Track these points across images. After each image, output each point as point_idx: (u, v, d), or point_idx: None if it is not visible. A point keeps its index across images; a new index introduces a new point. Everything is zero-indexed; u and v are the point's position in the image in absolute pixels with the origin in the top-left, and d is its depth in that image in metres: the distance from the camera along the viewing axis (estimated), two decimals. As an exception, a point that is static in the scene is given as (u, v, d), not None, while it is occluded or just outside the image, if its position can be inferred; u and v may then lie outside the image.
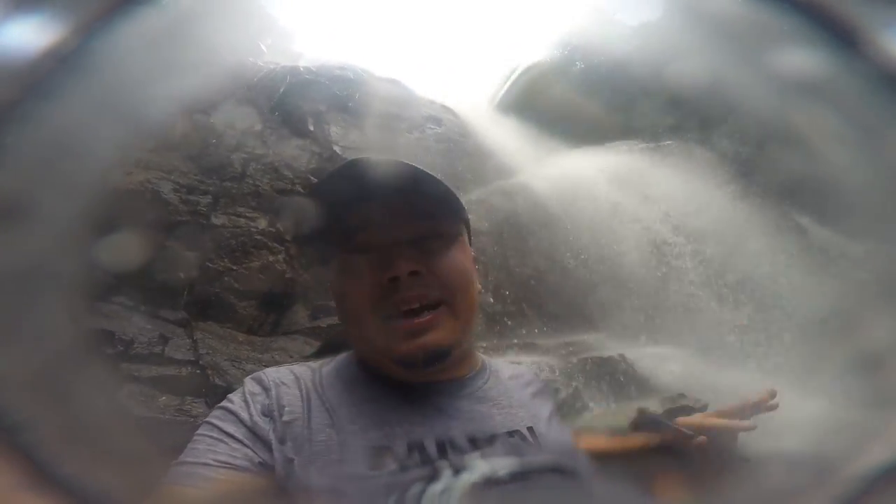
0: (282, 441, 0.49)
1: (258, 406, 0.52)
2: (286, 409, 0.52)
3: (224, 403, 0.54)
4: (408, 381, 0.57)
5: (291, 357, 2.52)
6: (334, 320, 3.02)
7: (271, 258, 3.08)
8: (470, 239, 0.63)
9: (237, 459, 0.48)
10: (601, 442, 0.68)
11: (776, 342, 4.54)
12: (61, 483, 0.36)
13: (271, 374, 0.57)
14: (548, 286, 4.26)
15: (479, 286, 0.62)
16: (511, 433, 0.55)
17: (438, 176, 0.58)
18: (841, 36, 0.46)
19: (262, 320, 2.91)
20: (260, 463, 0.48)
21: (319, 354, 2.68)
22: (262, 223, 3.09)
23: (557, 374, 3.19)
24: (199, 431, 0.51)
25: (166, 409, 1.75)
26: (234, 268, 2.89)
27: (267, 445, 0.49)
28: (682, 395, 2.91)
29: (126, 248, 2.25)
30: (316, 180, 3.40)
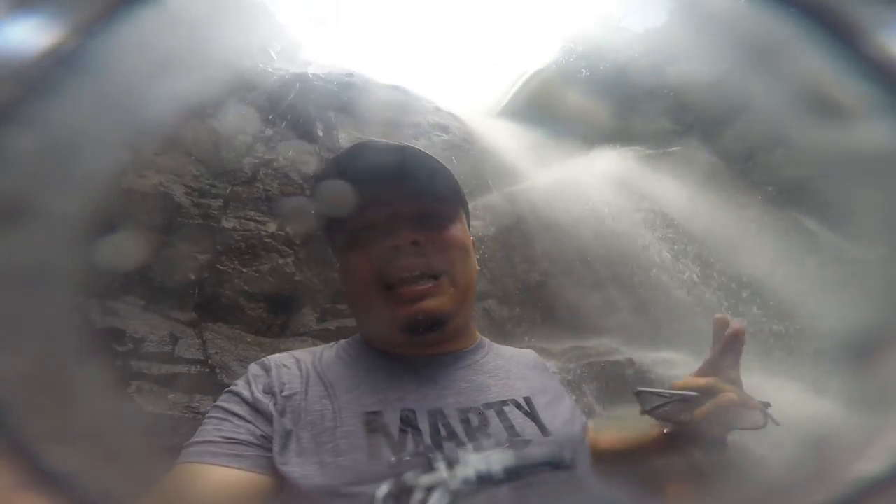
0: (282, 414, 0.53)
1: (259, 385, 0.56)
2: (286, 385, 0.55)
3: (229, 389, 0.58)
4: (406, 355, 0.60)
5: (299, 358, 2.54)
6: (343, 323, 3.04)
7: (280, 261, 3.11)
8: (468, 222, 0.67)
9: (241, 435, 0.51)
10: (614, 438, 0.70)
11: (783, 346, 4.49)
12: (60, 482, 0.37)
13: (273, 358, 0.60)
14: (554, 291, 4.26)
15: (477, 266, 0.65)
16: (504, 402, 0.57)
17: (438, 159, 0.62)
18: (841, 36, 0.46)
19: (270, 322, 2.94)
20: (262, 436, 0.51)
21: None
22: (272, 226, 3.14)
23: (566, 378, 3.18)
24: (207, 414, 0.55)
25: (175, 406, 1.77)
26: (244, 270, 2.92)
27: (268, 419, 0.53)
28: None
29: (137, 249, 2.30)
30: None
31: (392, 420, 0.52)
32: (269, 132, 3.03)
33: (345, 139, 3.65)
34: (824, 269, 5.37)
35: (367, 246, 0.58)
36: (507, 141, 6.04)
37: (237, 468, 0.49)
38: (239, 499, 0.47)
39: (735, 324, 0.56)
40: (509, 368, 0.64)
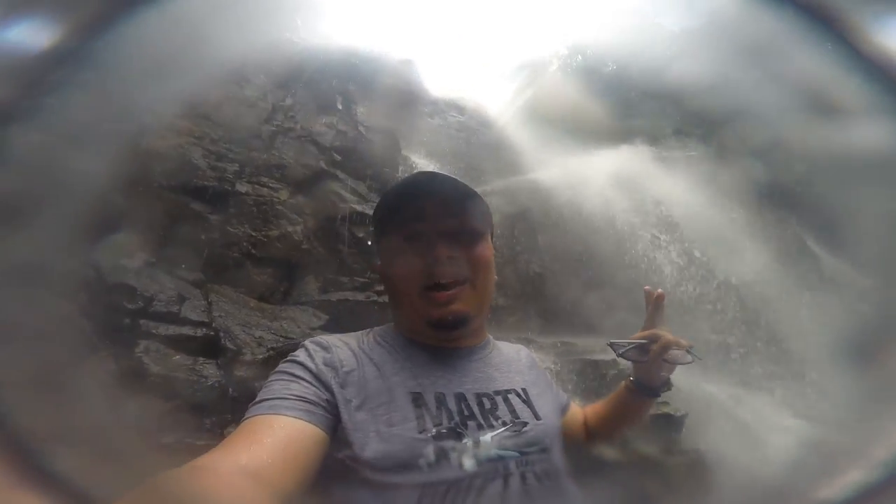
0: (343, 386, 0.63)
1: (320, 359, 0.65)
2: (344, 362, 0.66)
3: (290, 358, 0.67)
4: (434, 346, 0.73)
5: (299, 328, 2.61)
6: (344, 295, 3.13)
7: (290, 228, 3.17)
8: (493, 238, 0.80)
9: (309, 395, 0.60)
10: (599, 405, 0.92)
11: (766, 353, 4.62)
12: (56, 481, 0.41)
13: (326, 338, 0.71)
14: (551, 285, 4.32)
15: (496, 276, 0.79)
16: (508, 391, 0.72)
17: (473, 188, 0.76)
18: (841, 35, 0.48)
19: (274, 288, 3.02)
20: (326, 400, 0.61)
21: (327, 328, 2.79)
22: (284, 194, 3.18)
23: (552, 371, 3.28)
24: (270, 379, 0.63)
25: (179, 368, 1.86)
26: (253, 234, 2.99)
27: (329, 389, 0.62)
28: (665, 403, 3.00)
29: (151, 208, 2.35)
30: (339, 157, 3.47)
31: (430, 400, 0.65)
32: (289, 101, 3.03)
33: (362, 113, 3.64)
34: (812, 276, 5.46)
35: (413, 254, 0.70)
36: (518, 132, 5.99)
37: (307, 421, 0.57)
38: (309, 447, 0.55)
39: (658, 291, 0.82)
40: (510, 364, 0.79)
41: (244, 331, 2.30)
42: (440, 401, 0.65)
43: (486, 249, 0.75)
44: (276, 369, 0.65)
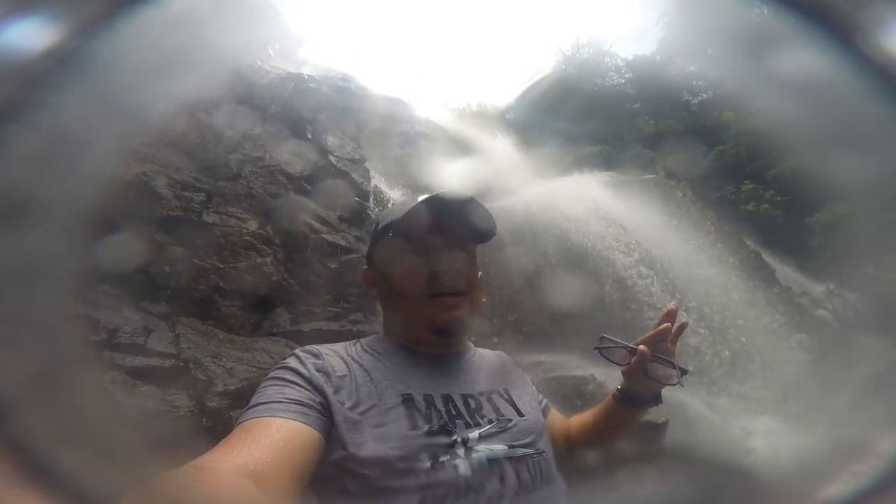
0: (336, 391, 0.64)
1: (312, 365, 0.67)
2: (335, 368, 0.68)
3: (281, 365, 0.68)
4: (421, 353, 0.76)
5: (273, 358, 2.53)
6: (317, 325, 3.06)
7: (259, 260, 3.11)
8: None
9: (303, 398, 0.61)
10: (582, 416, 0.92)
11: (734, 369, 4.75)
12: (56, 480, 0.40)
13: (317, 347, 0.73)
14: (525, 306, 4.37)
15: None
16: (491, 392, 0.76)
17: (481, 207, 0.79)
18: (840, 35, 0.48)
19: (244, 320, 2.93)
20: (320, 403, 0.62)
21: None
22: (253, 224, 3.14)
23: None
24: (263, 385, 0.64)
25: (148, 398, 1.76)
26: (221, 266, 2.91)
27: (322, 393, 0.63)
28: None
29: (117, 240, 2.27)
30: (309, 186, 3.47)
31: (419, 401, 0.68)
32: (258, 130, 3.04)
33: (333, 143, 3.68)
34: (769, 286, 5.74)
35: (421, 264, 0.74)
36: (493, 154, 6.19)
37: (302, 423, 0.58)
38: (305, 448, 0.56)
39: (671, 306, 0.80)
40: (491, 367, 0.84)
41: (214, 362, 2.21)
42: (429, 401, 0.68)
43: (477, 265, 0.81)
44: (268, 376, 0.66)
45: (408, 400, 0.67)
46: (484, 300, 0.82)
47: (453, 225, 0.76)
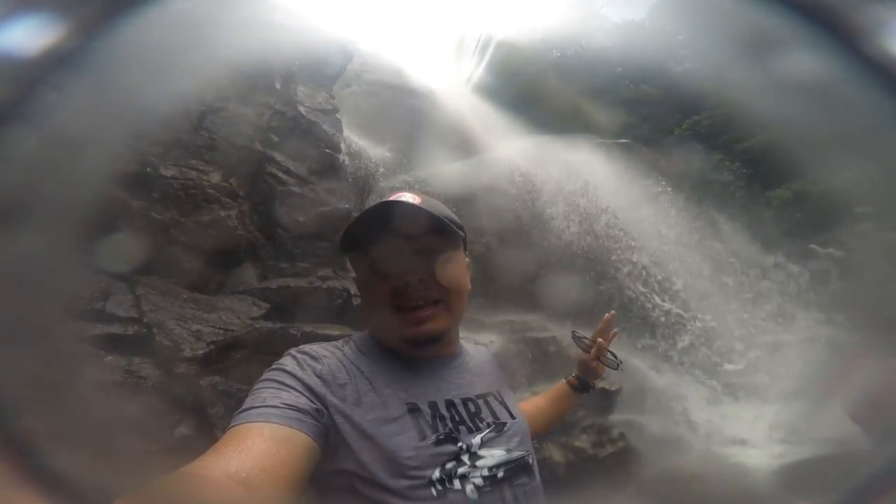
0: (342, 400, 0.64)
1: (311, 370, 0.66)
2: (337, 376, 0.67)
3: (277, 366, 0.66)
4: (415, 356, 0.76)
5: (239, 318, 2.50)
6: (285, 282, 3.01)
7: (222, 213, 2.99)
8: (465, 250, 0.83)
9: (300, 403, 0.60)
10: (539, 398, 1.07)
11: (691, 328, 5.09)
12: (54, 480, 0.40)
13: (314, 348, 0.71)
14: (495, 265, 4.43)
15: (469, 286, 0.81)
16: (486, 394, 0.78)
17: (443, 208, 0.78)
18: (840, 35, 0.48)
19: (208, 278, 2.84)
20: (317, 409, 0.61)
21: (269, 317, 2.68)
22: (216, 177, 2.98)
23: (498, 349, 3.40)
24: (257, 386, 0.63)
25: (115, 370, 1.70)
26: (182, 220, 2.78)
27: (322, 400, 0.63)
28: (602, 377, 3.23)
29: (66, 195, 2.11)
30: (276, 138, 3.30)
31: (425, 409, 0.68)
32: (220, 79, 2.81)
33: (303, 93, 3.46)
34: (725, 256, 6.08)
35: (386, 275, 0.72)
36: (469, 113, 6.02)
37: (297, 429, 0.57)
38: (299, 455, 0.55)
39: (608, 315, 1.05)
40: (482, 367, 0.84)
41: (179, 325, 2.15)
42: (434, 409, 0.69)
43: (457, 268, 0.77)
44: (263, 377, 0.65)
45: (414, 409, 0.67)
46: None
47: (411, 231, 0.72)
